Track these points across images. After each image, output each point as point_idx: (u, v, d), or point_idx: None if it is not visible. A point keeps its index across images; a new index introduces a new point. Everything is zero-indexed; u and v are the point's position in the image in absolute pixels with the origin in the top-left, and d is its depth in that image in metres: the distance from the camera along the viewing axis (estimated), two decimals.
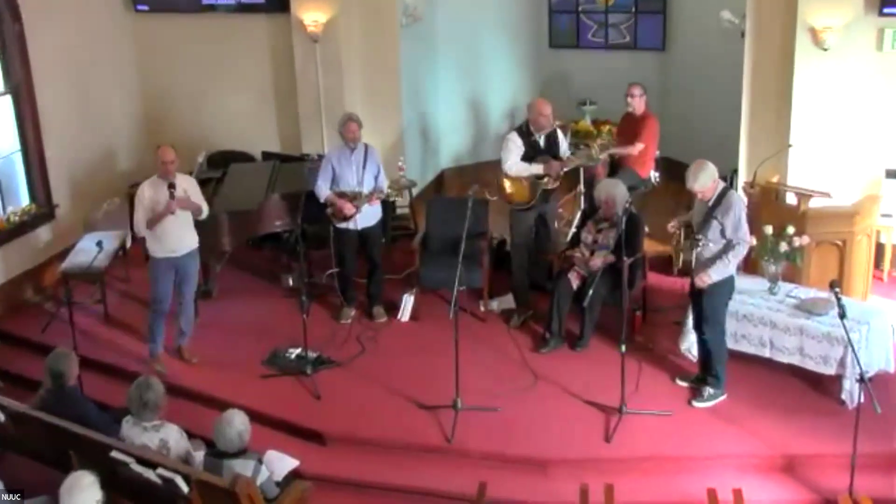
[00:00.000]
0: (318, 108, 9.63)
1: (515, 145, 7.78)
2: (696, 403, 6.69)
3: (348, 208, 7.67)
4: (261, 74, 10.03)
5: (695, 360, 7.01)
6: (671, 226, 6.65)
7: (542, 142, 7.79)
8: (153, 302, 7.29)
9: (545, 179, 7.73)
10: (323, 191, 7.77)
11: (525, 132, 7.80)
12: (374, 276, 8.08)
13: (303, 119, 9.83)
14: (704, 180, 6.29)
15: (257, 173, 8.87)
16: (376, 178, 7.77)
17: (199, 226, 7.78)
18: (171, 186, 6.98)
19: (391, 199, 7.79)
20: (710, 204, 6.36)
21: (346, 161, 7.76)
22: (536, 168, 7.73)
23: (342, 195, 7.73)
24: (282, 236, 8.83)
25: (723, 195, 6.35)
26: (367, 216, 7.82)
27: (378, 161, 7.77)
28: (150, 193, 7.04)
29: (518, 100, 11.29)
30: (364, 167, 7.70)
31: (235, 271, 9.01)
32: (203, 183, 8.51)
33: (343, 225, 7.81)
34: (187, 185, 7.19)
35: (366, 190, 7.71)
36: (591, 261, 7.36)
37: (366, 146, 7.76)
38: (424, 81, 10.73)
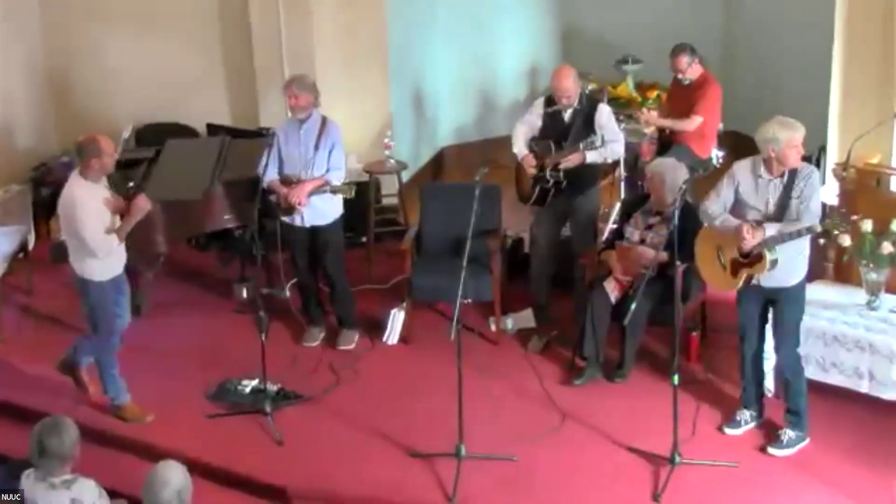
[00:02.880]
0: (281, 68, 9.63)
1: (531, 113, 7.99)
2: (774, 451, 6.65)
3: (293, 196, 7.63)
4: (205, 24, 10.01)
5: (770, 394, 7.01)
6: (753, 237, 6.38)
7: (566, 117, 7.84)
8: (109, 334, 7.17)
9: (546, 173, 7.76)
10: (267, 172, 7.75)
11: (551, 102, 7.89)
12: (334, 293, 8.10)
13: (260, 83, 9.85)
14: (794, 137, 6.26)
15: (201, 153, 8.85)
16: (329, 161, 7.75)
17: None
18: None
19: (341, 195, 7.71)
20: (785, 182, 6.34)
21: (293, 136, 7.77)
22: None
23: (285, 181, 7.72)
24: (233, 234, 8.78)
25: (795, 171, 6.34)
26: (318, 210, 7.78)
27: (336, 140, 7.75)
28: (95, 201, 6.83)
29: (538, 59, 11.30)
30: (317, 146, 7.68)
31: (173, 279, 9.00)
32: (131, 164, 8.51)
33: (288, 219, 7.82)
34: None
35: (316, 174, 7.68)
36: (643, 253, 7.28)
37: (323, 119, 7.76)
38: (418, 36, 10.70)
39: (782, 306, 6.55)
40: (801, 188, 6.30)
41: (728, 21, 10.86)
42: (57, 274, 7.88)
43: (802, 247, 6.43)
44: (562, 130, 7.82)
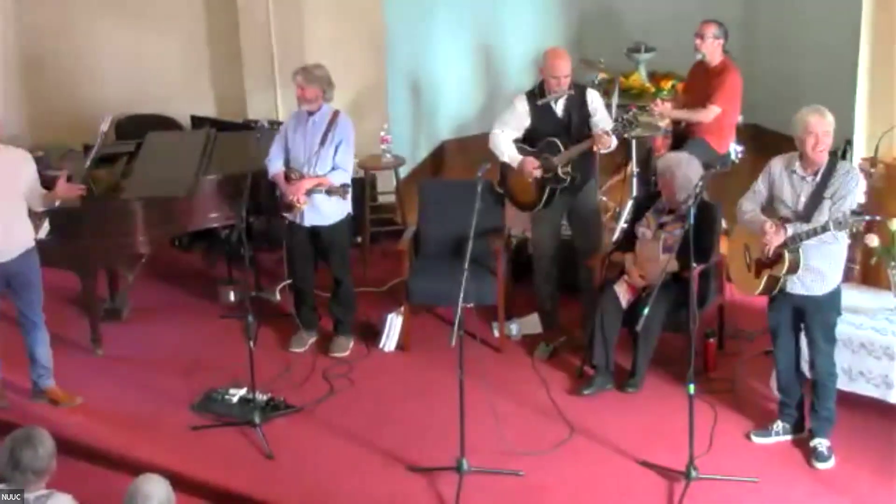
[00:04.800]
0: (270, 56, 9.66)
1: (514, 113, 7.88)
2: (821, 465, 6.64)
3: (290, 192, 7.66)
4: (189, 9, 10.00)
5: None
6: (774, 234, 6.40)
7: (558, 109, 7.81)
8: None
9: (558, 172, 7.74)
10: (272, 164, 7.83)
11: (536, 95, 7.84)
12: (336, 295, 8.12)
13: (248, 72, 9.87)
14: (811, 122, 6.22)
15: (185, 147, 8.87)
16: (334, 159, 7.76)
17: (106, 219, 7.75)
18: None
19: (332, 196, 7.67)
20: (818, 180, 6.32)
21: (301, 129, 7.80)
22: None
23: (288, 175, 7.77)
24: (220, 234, 8.78)
25: (833, 167, 6.32)
26: (320, 211, 7.79)
27: (344, 136, 7.75)
28: None
29: (546, 46, 11.22)
30: (322, 142, 7.69)
31: (155, 282, 9.04)
32: (109, 159, 8.51)
33: (290, 216, 7.84)
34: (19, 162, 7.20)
35: (319, 172, 7.69)
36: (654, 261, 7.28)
37: (335, 114, 7.77)
38: (418, 21, 10.70)
39: (809, 315, 6.54)
40: (836, 188, 6.26)
41: (749, 9, 10.84)
42: None
43: (836, 254, 6.39)
44: (556, 124, 7.80)
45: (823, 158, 6.30)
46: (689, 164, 7.40)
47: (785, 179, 6.45)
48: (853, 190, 6.28)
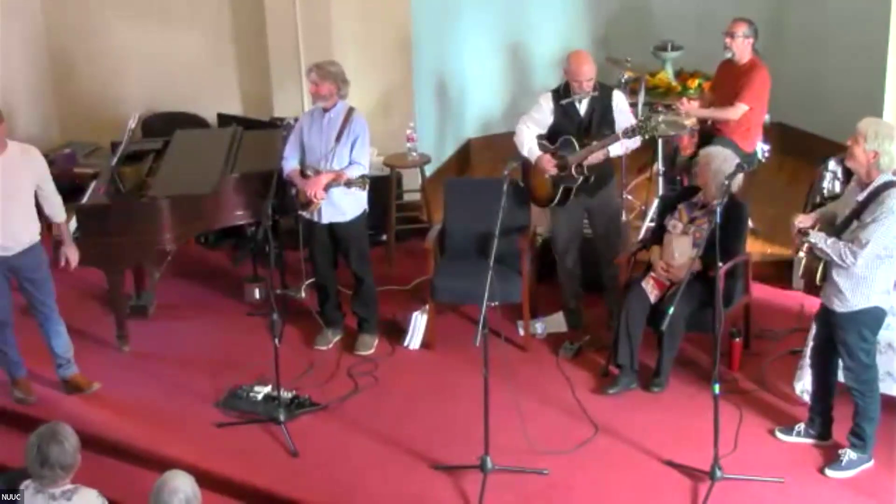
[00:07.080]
0: (296, 53, 9.67)
1: (539, 110, 7.93)
2: (831, 472, 6.59)
3: (308, 188, 7.66)
4: (216, 8, 10.03)
5: None
6: (799, 222, 6.44)
7: (581, 109, 7.83)
8: None
9: (571, 171, 7.75)
10: (287, 163, 7.85)
11: (561, 94, 7.87)
12: (358, 293, 8.13)
13: (274, 70, 9.89)
14: (881, 140, 6.02)
15: (211, 145, 8.90)
16: (350, 155, 7.77)
17: (133, 217, 7.80)
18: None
19: (352, 188, 7.63)
20: (861, 199, 6.14)
21: (316, 125, 7.82)
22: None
23: (305, 172, 7.78)
24: (245, 232, 8.80)
25: (879, 192, 6.09)
26: (337, 207, 7.80)
27: (359, 133, 7.76)
28: None
29: (572, 45, 11.20)
30: (338, 138, 7.71)
31: (181, 280, 9.06)
32: (137, 156, 8.55)
33: (307, 215, 7.86)
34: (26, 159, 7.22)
35: (335, 168, 7.70)
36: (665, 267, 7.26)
37: (350, 111, 7.78)
38: (444, 19, 10.70)
39: (833, 330, 6.46)
40: (872, 210, 6.05)
41: (777, 8, 10.79)
42: (61, 274, 7.91)
43: (856, 277, 6.20)
44: (579, 124, 7.82)
45: (853, 164, 6.16)
46: (726, 159, 7.30)
47: (850, 188, 6.41)
48: (878, 220, 6.01)
